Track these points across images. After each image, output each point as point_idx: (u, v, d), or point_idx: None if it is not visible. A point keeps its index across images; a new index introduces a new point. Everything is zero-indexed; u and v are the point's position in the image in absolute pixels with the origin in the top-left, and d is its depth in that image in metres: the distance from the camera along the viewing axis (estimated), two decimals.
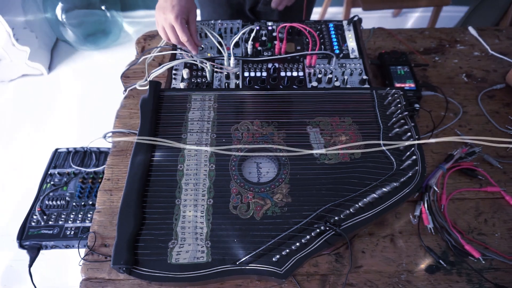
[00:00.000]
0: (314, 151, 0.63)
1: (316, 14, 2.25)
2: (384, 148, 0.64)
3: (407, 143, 0.63)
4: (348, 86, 0.77)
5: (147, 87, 0.72)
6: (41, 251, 0.85)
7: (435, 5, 1.83)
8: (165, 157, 0.63)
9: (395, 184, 0.58)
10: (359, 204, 0.57)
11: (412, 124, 0.65)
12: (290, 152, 0.63)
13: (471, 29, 1.00)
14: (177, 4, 0.71)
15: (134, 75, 0.91)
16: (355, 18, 0.88)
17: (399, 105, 0.67)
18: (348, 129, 0.66)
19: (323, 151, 0.64)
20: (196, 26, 0.79)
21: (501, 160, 0.74)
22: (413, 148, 0.62)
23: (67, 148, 0.99)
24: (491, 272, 0.61)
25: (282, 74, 0.79)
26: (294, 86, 0.76)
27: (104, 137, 0.79)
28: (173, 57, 0.83)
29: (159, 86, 0.71)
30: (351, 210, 0.57)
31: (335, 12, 2.35)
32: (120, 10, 2.14)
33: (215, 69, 0.79)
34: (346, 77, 0.76)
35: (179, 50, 0.83)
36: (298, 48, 0.84)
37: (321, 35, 0.87)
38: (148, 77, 0.78)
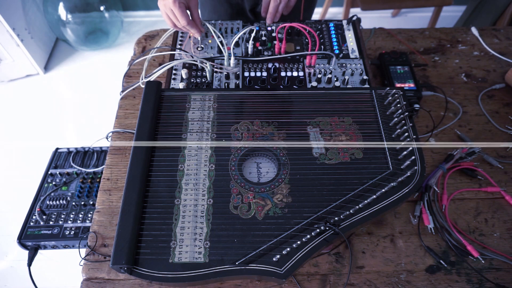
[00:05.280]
0: (313, 145, 0.63)
1: (316, 14, 2.25)
2: (385, 146, 0.63)
3: (407, 149, 0.63)
4: (349, 86, 0.77)
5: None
6: (41, 251, 0.85)
7: (435, 5, 1.82)
8: (165, 157, 0.63)
9: (392, 184, 0.58)
10: (359, 206, 0.57)
11: (411, 124, 0.65)
12: (290, 150, 0.63)
13: (474, 30, 1.00)
14: None
15: (137, 75, 0.91)
16: (354, 18, 0.88)
17: (399, 105, 0.67)
18: (348, 129, 0.66)
19: (321, 144, 0.64)
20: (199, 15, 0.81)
21: (501, 160, 0.74)
22: (411, 148, 0.62)
23: (68, 148, 0.99)
24: (492, 272, 0.61)
25: (282, 74, 0.79)
26: (294, 86, 0.76)
27: (107, 137, 0.80)
28: (173, 58, 0.83)
29: (160, 86, 0.71)
30: (351, 211, 0.57)
31: (335, 12, 2.35)
32: (121, 10, 2.14)
33: (215, 69, 0.79)
34: (347, 77, 0.76)
35: (178, 50, 0.83)
36: (298, 48, 0.84)
37: (321, 35, 0.87)
38: (144, 78, 0.78)
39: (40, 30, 2.01)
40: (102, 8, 2.02)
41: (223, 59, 0.80)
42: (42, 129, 1.83)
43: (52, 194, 0.90)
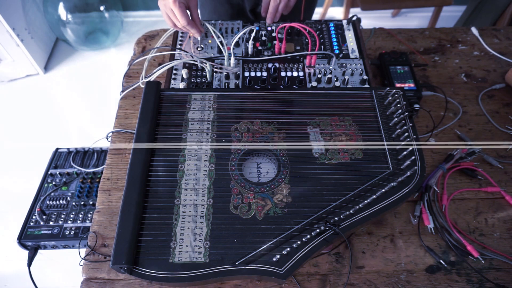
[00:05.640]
0: (313, 147, 0.64)
1: (317, 14, 2.25)
2: (386, 146, 0.63)
3: (408, 148, 0.63)
4: (349, 86, 0.77)
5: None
6: (41, 251, 0.85)
7: (435, 5, 1.82)
8: (165, 157, 0.63)
9: (392, 184, 0.58)
10: (359, 206, 0.57)
11: (411, 124, 0.65)
12: (290, 150, 0.63)
13: (474, 30, 1.00)
14: None
15: (137, 75, 0.91)
16: (354, 18, 0.88)
17: (399, 105, 0.67)
18: (348, 129, 0.66)
19: (322, 146, 0.64)
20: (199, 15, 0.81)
21: (501, 160, 0.74)
22: (411, 148, 0.62)
23: (68, 148, 0.99)
24: (492, 272, 0.61)
25: (282, 74, 0.79)
26: (294, 86, 0.76)
27: (107, 137, 0.80)
28: (173, 58, 0.83)
29: (160, 86, 0.71)
30: (351, 211, 0.57)
31: (335, 12, 2.35)
32: (121, 10, 2.14)
33: (215, 69, 0.79)
34: (347, 77, 0.76)
35: (178, 50, 0.83)
36: (298, 48, 0.84)
37: (321, 35, 0.87)
38: (144, 78, 0.78)
39: (40, 30, 2.01)
40: (102, 8, 2.02)
41: (223, 59, 0.80)
42: (42, 129, 1.83)
43: (52, 194, 0.90)
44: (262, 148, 0.64)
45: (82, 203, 0.87)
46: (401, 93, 0.69)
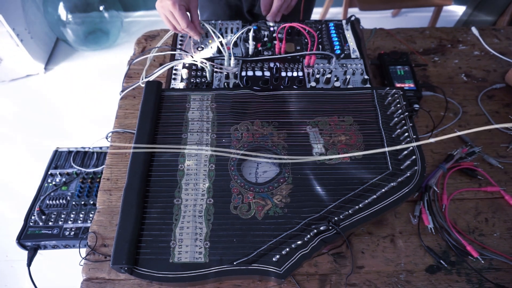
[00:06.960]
0: (315, 158, 0.64)
1: (317, 14, 2.25)
2: (386, 148, 0.63)
3: (408, 146, 0.63)
4: (350, 86, 0.77)
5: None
6: (41, 251, 0.85)
7: (435, 5, 1.82)
8: (165, 157, 0.63)
9: (392, 184, 0.58)
10: (359, 205, 0.57)
11: (411, 124, 0.65)
12: (290, 150, 0.63)
13: (474, 30, 1.00)
14: None
15: (137, 75, 0.91)
16: (352, 18, 0.88)
17: (399, 105, 0.67)
18: (348, 129, 0.66)
19: (323, 153, 0.64)
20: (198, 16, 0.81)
21: (501, 160, 0.74)
22: (411, 147, 0.62)
23: (68, 148, 0.99)
24: (492, 272, 0.61)
25: (283, 74, 0.79)
26: (294, 86, 0.76)
27: (107, 137, 0.80)
28: (173, 58, 0.83)
29: (161, 86, 0.71)
30: (350, 211, 0.57)
31: (335, 12, 2.35)
32: (121, 10, 2.14)
33: (215, 69, 0.79)
34: (348, 77, 0.76)
35: (178, 50, 0.83)
36: (298, 48, 0.84)
37: (320, 35, 0.87)
38: (144, 78, 0.78)
39: (40, 30, 2.01)
40: (102, 8, 2.02)
41: (223, 59, 0.80)
42: (42, 129, 1.83)
43: (52, 194, 0.90)
44: (262, 148, 0.64)
45: (82, 203, 0.87)
46: (401, 93, 0.69)
